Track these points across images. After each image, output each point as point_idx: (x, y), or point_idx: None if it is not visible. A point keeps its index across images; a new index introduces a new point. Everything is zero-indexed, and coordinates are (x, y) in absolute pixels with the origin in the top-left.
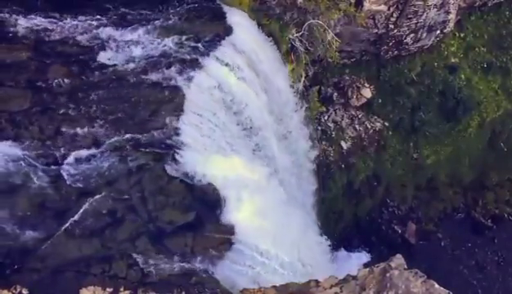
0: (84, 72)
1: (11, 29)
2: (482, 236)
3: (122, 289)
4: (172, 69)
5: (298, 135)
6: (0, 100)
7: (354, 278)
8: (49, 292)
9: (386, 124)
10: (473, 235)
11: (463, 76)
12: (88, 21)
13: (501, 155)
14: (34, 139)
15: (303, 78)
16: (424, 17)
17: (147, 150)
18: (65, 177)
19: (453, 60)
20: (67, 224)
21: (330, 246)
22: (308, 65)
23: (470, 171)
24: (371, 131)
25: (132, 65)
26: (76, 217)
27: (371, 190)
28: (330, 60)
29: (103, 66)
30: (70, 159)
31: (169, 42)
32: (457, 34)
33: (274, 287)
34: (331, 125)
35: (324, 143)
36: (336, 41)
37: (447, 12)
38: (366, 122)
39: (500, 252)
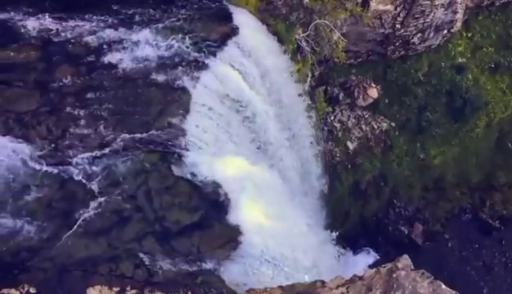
0: (92, 72)
1: (20, 30)
2: (490, 237)
3: (128, 288)
4: (179, 69)
5: (304, 136)
6: (8, 100)
7: (361, 278)
8: (56, 291)
9: (393, 124)
10: (480, 236)
11: (470, 76)
12: (96, 22)
13: (509, 155)
14: (42, 139)
15: (309, 78)
16: (431, 17)
17: (154, 150)
18: (72, 177)
19: (460, 60)
20: (77, 225)
21: (336, 246)
22: (314, 65)
23: (478, 172)
24: (378, 131)
25: (138, 66)
26: (84, 217)
27: (378, 191)
28: (336, 60)
29: (110, 66)
30: (77, 159)
31: (176, 43)
32: (464, 34)
33: (280, 287)
34: (337, 125)
35: (330, 143)
36: (342, 41)
37: (454, 12)
38: (373, 123)
39: (507, 253)
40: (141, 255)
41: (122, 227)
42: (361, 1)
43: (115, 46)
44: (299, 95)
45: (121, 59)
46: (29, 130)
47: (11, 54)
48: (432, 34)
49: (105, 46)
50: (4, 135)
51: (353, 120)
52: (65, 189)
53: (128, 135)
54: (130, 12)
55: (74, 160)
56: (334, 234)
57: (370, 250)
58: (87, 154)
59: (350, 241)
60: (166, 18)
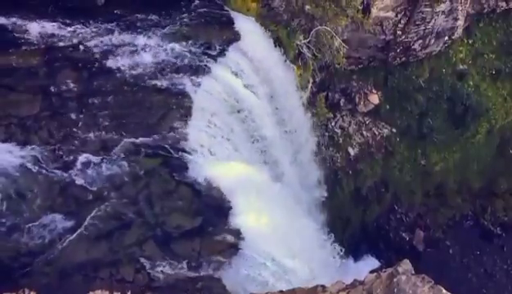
0: (93, 77)
1: (22, 35)
2: (491, 244)
3: (129, 293)
4: (181, 74)
5: (305, 141)
6: (10, 105)
7: (361, 283)
8: None
9: (394, 130)
10: (481, 243)
11: (471, 82)
12: (98, 27)
13: (510, 162)
14: (43, 143)
15: (310, 84)
16: (432, 24)
17: (155, 155)
18: (74, 181)
19: (461, 67)
20: (78, 229)
21: (337, 252)
22: (315, 71)
23: (479, 178)
24: (379, 137)
25: (140, 71)
26: (85, 222)
27: (379, 197)
28: (337, 66)
29: (112, 71)
30: (79, 164)
31: (178, 48)
32: (466, 41)
33: (281, 291)
34: (338, 131)
35: (331, 149)
36: (344, 47)
37: (455, 19)
38: (374, 129)
39: (509, 260)
40: (142, 259)
41: (123, 231)
42: (363, 7)
43: (117, 51)
44: (300, 100)
45: (123, 64)
46: (31, 134)
47: (14, 59)
48: (433, 41)
49: (107, 52)
50: (6, 139)
51: (354, 126)
52: (66, 194)
53: (129, 140)
54: (132, 18)
55: (76, 164)
56: (335, 240)
57: (371, 256)
58: (89, 159)
59: (351, 247)
60: (168, 23)
